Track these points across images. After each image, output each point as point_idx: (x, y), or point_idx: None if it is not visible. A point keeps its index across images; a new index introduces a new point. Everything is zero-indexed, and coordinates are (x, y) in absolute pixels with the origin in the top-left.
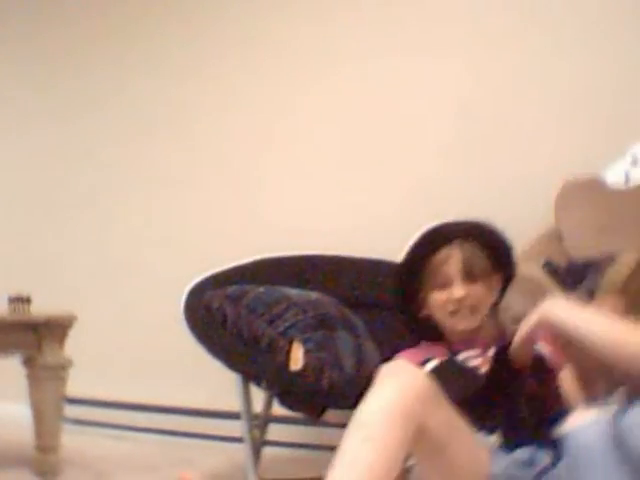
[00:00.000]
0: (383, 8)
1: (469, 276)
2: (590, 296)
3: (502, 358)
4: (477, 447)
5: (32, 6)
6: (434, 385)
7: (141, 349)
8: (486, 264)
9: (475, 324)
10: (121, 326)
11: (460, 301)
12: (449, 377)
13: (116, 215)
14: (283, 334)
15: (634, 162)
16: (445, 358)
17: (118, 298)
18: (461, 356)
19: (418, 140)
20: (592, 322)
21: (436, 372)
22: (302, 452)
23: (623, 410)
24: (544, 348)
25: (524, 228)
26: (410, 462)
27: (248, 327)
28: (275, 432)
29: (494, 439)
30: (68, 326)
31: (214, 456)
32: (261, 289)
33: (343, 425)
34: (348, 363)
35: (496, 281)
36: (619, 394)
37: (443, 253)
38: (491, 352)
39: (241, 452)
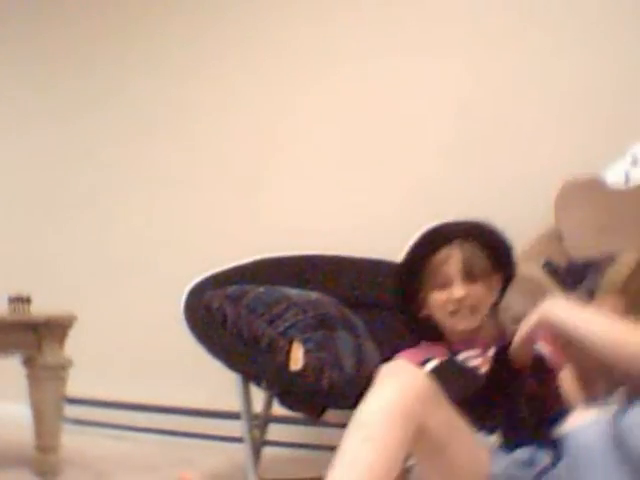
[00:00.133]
0: (383, 8)
1: (469, 276)
2: (590, 296)
3: (502, 358)
4: (477, 447)
5: (32, 6)
6: (434, 385)
7: (141, 349)
8: (486, 264)
9: (475, 324)
10: (121, 326)
11: (460, 301)
12: (449, 377)
13: (116, 215)
14: (283, 334)
15: (634, 162)
16: (445, 358)
17: (118, 298)
18: (461, 356)
19: (418, 140)
20: (592, 322)
21: (436, 372)
22: (302, 452)
23: (623, 410)
24: (544, 348)
25: (524, 228)
26: (410, 462)
27: (248, 327)
28: (275, 432)
29: (494, 439)
30: (68, 326)
31: (214, 456)
32: (261, 289)
33: (343, 425)
34: (348, 363)
35: (496, 281)
36: (619, 394)
37: (443, 253)
38: (491, 352)
39: (241, 452)
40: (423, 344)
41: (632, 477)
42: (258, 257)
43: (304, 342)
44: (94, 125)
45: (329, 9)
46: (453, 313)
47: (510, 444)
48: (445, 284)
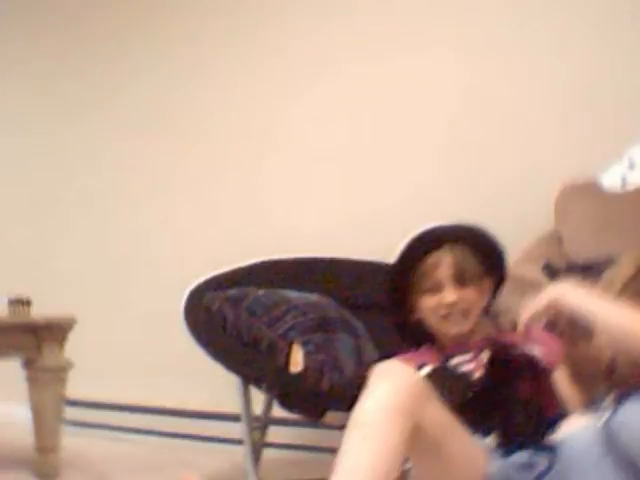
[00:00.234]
0: (381, 11)
1: (460, 280)
2: None
3: (496, 363)
4: (473, 447)
5: (32, 6)
6: (428, 385)
7: (141, 351)
8: (477, 268)
9: (467, 328)
10: (121, 328)
11: (451, 306)
12: (443, 383)
13: (116, 217)
14: (283, 336)
15: (631, 165)
16: (439, 364)
17: (118, 300)
18: (454, 361)
19: (417, 142)
20: (609, 310)
21: (430, 378)
22: (302, 454)
23: (614, 413)
24: (537, 349)
25: (524, 230)
26: (407, 465)
27: (248, 329)
28: (275, 434)
29: (489, 441)
30: (68, 328)
31: (214, 458)
32: (261, 292)
33: (343, 427)
34: (348, 365)
35: (487, 285)
36: (610, 399)
37: (434, 257)
38: (484, 356)
39: (241, 454)
40: (416, 349)
41: (627, 477)
42: (258, 259)
43: (304, 344)
44: (94, 125)
45: (327, 11)
46: (445, 317)
47: (506, 448)
48: (436, 288)
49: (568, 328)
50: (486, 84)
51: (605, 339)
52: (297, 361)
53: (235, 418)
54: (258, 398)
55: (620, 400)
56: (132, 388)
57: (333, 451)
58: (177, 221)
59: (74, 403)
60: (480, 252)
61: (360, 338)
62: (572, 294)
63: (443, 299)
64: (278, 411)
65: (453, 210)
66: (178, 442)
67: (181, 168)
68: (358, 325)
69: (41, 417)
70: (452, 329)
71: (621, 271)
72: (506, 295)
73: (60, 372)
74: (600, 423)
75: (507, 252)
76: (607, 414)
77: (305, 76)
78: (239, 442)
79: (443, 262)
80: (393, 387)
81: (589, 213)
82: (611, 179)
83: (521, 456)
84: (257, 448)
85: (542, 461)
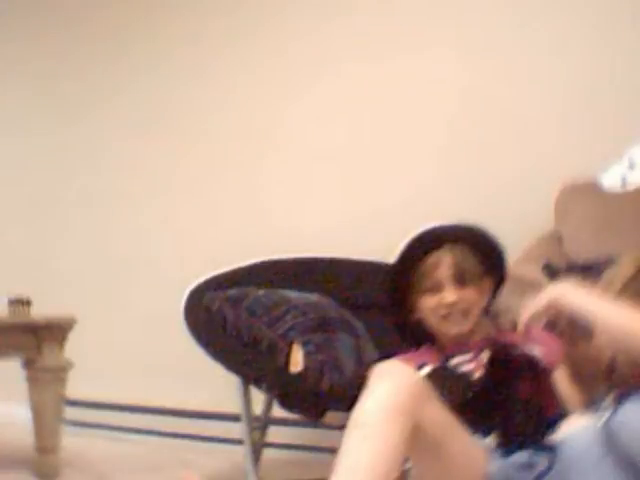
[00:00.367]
0: (381, 11)
1: (460, 281)
2: None
3: (496, 363)
4: (473, 446)
5: (32, 6)
6: (428, 385)
7: (141, 351)
8: (477, 268)
9: (467, 328)
10: (121, 328)
11: (451, 306)
12: (443, 383)
13: (116, 217)
14: (283, 336)
15: (631, 165)
16: (439, 364)
17: (118, 300)
18: (454, 361)
19: (418, 142)
20: (610, 311)
21: (430, 378)
22: (302, 454)
23: (614, 413)
24: (537, 349)
25: (524, 230)
26: (407, 465)
27: (248, 329)
28: (275, 434)
29: (489, 441)
30: (68, 328)
31: (214, 458)
32: (261, 292)
33: (343, 427)
34: (348, 365)
35: (487, 284)
36: (610, 399)
37: (434, 257)
38: (484, 356)
39: (241, 454)
40: (416, 349)
41: (627, 477)
42: (258, 259)
43: (304, 344)
44: (94, 125)
45: (327, 11)
46: (445, 317)
47: (506, 448)
48: (436, 288)
49: (568, 328)
50: (486, 84)
51: (605, 339)
52: (297, 361)
53: (235, 418)
54: (258, 398)
55: (620, 400)
56: (132, 388)
57: (333, 451)
58: (177, 221)
59: (74, 403)
60: (480, 252)
61: (360, 338)
62: (572, 294)
63: (443, 299)
64: (278, 411)
65: (453, 210)
66: (178, 442)
67: (181, 168)
68: (358, 325)
69: (41, 417)
70: (452, 329)
71: (621, 271)
72: (506, 295)
73: (60, 372)
74: (600, 423)
75: (507, 252)
76: (607, 414)
77: (305, 76)
78: (239, 442)
79: (443, 262)
80: (393, 387)
81: (589, 213)
82: (611, 179)
83: (521, 456)
84: (257, 448)
85: (542, 461)
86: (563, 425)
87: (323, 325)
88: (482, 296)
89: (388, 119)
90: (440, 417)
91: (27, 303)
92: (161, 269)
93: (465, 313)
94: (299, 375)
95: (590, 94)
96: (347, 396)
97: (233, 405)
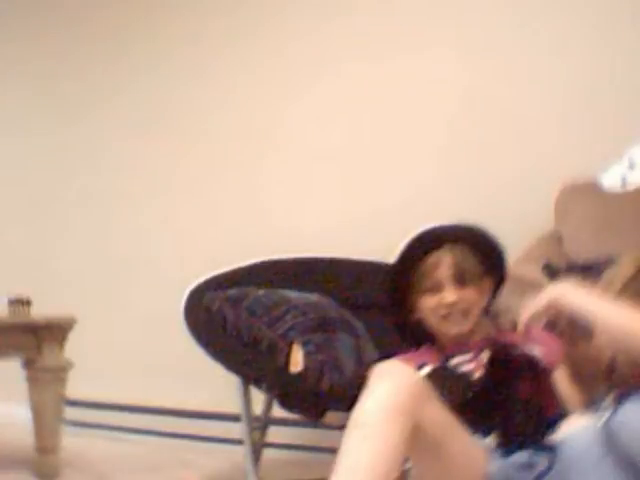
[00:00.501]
0: (380, 11)
1: (460, 281)
2: None
3: (496, 363)
4: (473, 446)
5: (32, 6)
6: (428, 385)
7: (141, 351)
8: (477, 268)
9: (467, 328)
10: (121, 328)
11: (451, 306)
12: (443, 383)
13: (116, 217)
14: (283, 336)
15: (631, 165)
16: (439, 364)
17: (118, 300)
18: (454, 361)
19: (418, 142)
20: (611, 311)
21: (430, 378)
22: (302, 454)
23: (614, 413)
24: (537, 349)
25: (524, 230)
26: (407, 465)
27: (248, 329)
28: (275, 434)
29: (489, 441)
30: (68, 328)
31: (214, 458)
32: (261, 292)
33: (343, 427)
34: (348, 365)
35: (487, 284)
36: (610, 399)
37: (434, 257)
38: (484, 356)
39: (241, 454)
40: (416, 349)
41: (627, 477)
42: (258, 259)
43: (304, 344)
44: (94, 125)
45: (327, 11)
46: (445, 317)
47: (506, 448)
48: (436, 288)
49: (568, 328)
50: (486, 84)
51: (605, 339)
52: (297, 361)
53: (235, 418)
54: (258, 398)
55: (620, 400)
56: (132, 388)
57: (333, 451)
58: (177, 221)
59: (74, 403)
60: (480, 252)
61: (360, 338)
62: (572, 294)
63: (443, 299)
64: (278, 411)
65: (453, 210)
66: (178, 442)
67: (181, 168)
68: (358, 325)
69: (41, 417)
70: (452, 329)
71: (621, 271)
72: (506, 295)
73: (60, 372)
74: (600, 423)
75: (507, 252)
76: (607, 414)
77: (305, 76)
78: (239, 442)
79: (443, 262)
80: (393, 387)
81: (589, 213)
82: (611, 179)
83: (521, 456)
84: (257, 448)
85: (542, 461)
86: (563, 425)
87: (323, 325)
88: (482, 296)
89: (388, 119)
90: (440, 417)
91: (27, 303)
92: (161, 269)
93: (465, 313)
94: (299, 375)
95: (590, 94)
96: (347, 396)
97: (233, 405)
